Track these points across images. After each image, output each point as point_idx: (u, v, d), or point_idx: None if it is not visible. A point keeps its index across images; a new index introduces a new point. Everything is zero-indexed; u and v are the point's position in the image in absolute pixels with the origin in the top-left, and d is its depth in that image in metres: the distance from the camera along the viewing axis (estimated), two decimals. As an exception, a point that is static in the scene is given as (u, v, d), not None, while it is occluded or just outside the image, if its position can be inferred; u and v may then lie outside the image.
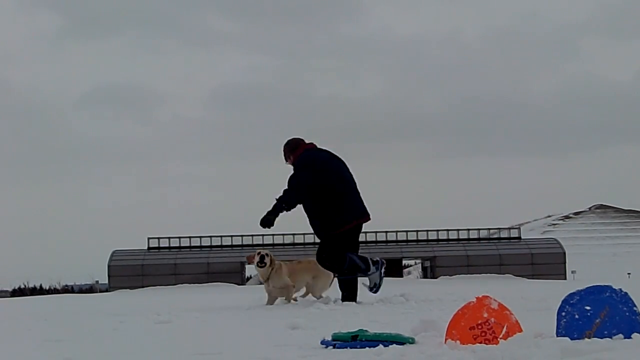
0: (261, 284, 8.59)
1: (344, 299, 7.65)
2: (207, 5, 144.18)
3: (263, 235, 45.87)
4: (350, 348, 3.48)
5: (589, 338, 3.21)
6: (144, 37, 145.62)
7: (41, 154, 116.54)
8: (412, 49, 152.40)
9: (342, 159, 7.97)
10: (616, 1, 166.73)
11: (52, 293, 44.26)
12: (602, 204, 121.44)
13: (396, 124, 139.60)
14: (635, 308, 3.28)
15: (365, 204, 7.93)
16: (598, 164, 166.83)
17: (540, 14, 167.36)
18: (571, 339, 3.15)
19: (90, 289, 49.23)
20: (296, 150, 7.87)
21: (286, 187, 7.67)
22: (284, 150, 7.99)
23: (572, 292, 3.33)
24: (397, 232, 51.40)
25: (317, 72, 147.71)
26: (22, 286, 51.22)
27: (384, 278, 7.89)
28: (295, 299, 8.13)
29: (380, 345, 3.42)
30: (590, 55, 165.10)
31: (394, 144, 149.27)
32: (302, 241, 49.12)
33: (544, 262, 48.06)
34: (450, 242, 50.83)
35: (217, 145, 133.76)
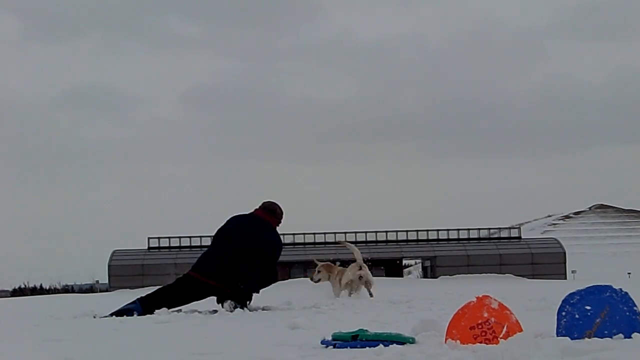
0: None
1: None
2: (168, 8, 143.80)
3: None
4: (351, 348, 3.48)
5: (590, 338, 3.21)
6: (108, 39, 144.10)
7: (36, 153, 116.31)
8: (376, 52, 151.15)
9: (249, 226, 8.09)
10: (574, 4, 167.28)
11: (52, 293, 44.25)
12: (602, 204, 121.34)
13: (378, 125, 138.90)
14: (635, 308, 3.28)
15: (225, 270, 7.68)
16: (598, 164, 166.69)
17: (501, 17, 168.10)
18: (571, 338, 3.15)
19: (90, 289, 49.21)
20: None
21: None
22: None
23: (572, 292, 3.33)
24: (397, 232, 51.37)
25: (285, 75, 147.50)
26: (22, 286, 51.09)
27: (385, 278, 7.86)
28: None
29: (381, 345, 3.42)
30: (560, 58, 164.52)
31: (383, 144, 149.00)
32: (308, 241, 49.12)
33: (544, 262, 48.05)
34: (450, 242, 50.80)
35: (205, 146, 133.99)
